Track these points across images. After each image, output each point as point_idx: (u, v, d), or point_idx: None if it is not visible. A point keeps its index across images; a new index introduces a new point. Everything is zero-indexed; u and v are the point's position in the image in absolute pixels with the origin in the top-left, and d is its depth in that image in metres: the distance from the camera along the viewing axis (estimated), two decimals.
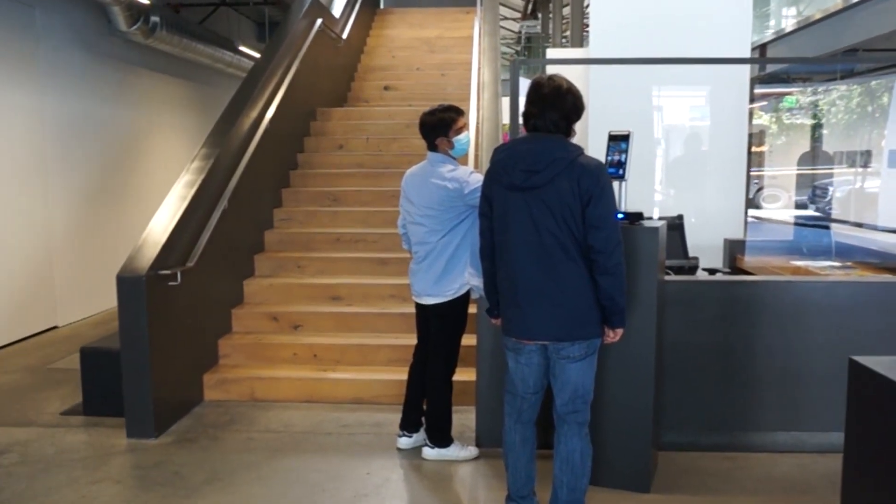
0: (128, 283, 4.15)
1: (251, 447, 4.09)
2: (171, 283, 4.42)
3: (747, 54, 6.70)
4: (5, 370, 5.60)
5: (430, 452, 3.95)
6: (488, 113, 5.91)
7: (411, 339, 4.78)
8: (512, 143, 3.00)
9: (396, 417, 4.43)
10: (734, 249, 6.13)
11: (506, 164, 2.90)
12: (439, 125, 3.77)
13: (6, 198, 6.33)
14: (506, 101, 5.46)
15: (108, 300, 7.44)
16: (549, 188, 2.79)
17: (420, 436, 4.09)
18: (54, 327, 6.95)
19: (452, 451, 3.96)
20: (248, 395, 4.88)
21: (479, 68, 7.26)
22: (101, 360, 4.54)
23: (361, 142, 7.62)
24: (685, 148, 6.78)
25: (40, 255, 6.78)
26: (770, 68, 11.41)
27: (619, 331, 2.96)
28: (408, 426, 4.11)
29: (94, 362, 4.58)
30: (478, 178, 3.68)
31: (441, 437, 3.96)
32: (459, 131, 3.78)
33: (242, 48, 10.35)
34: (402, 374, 4.86)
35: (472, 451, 3.97)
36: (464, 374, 4.87)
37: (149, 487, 3.58)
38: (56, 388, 5.15)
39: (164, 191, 5.11)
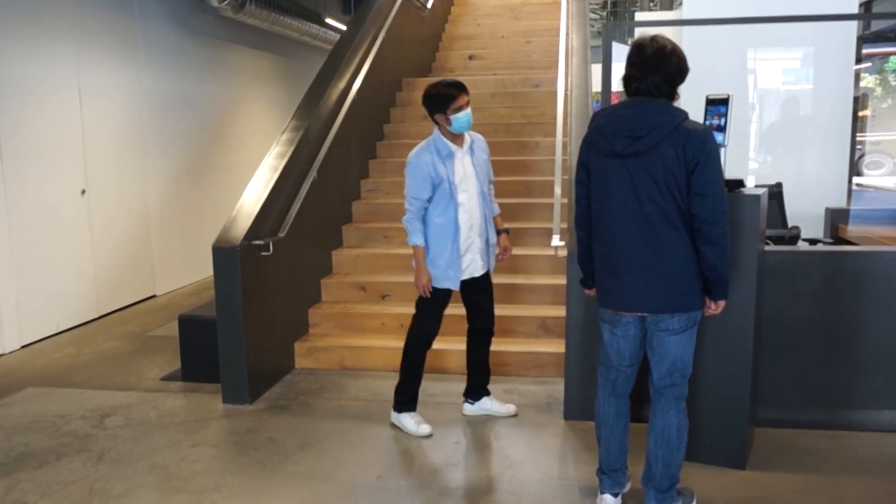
0: (223, 253, 4.27)
1: (342, 414, 4.17)
2: (263, 254, 4.53)
3: (854, 10, 6.31)
4: (109, 337, 5.88)
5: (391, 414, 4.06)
6: (577, 80, 5.75)
7: (497, 311, 4.75)
8: (613, 108, 2.88)
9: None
10: (836, 218, 5.83)
11: (606, 130, 2.79)
12: (439, 100, 3.72)
13: (108, 174, 6.61)
14: (596, 69, 5.32)
15: (201, 271, 7.71)
16: (652, 155, 2.68)
17: (486, 403, 4.13)
18: (153, 296, 7.25)
19: (404, 421, 3.96)
20: (337, 363, 4.98)
21: (566, 34, 7.08)
22: (198, 328, 4.70)
23: None
24: (782, 112, 6.46)
25: (140, 227, 7.06)
26: (876, 26, 10.73)
27: (721, 303, 2.83)
28: (469, 392, 4.17)
29: (192, 330, 4.75)
30: (415, 170, 3.77)
31: (395, 400, 4.01)
32: (459, 109, 3.70)
33: (329, 21, 10.44)
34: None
35: (424, 429, 3.90)
36: (552, 346, 4.83)
37: (244, 452, 3.70)
38: (155, 354, 5.38)
39: (256, 163, 5.22)
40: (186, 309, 5.44)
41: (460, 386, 4.28)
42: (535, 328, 5.05)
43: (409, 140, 7.21)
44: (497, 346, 4.85)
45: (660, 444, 2.89)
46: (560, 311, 5.07)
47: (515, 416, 4.11)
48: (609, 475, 3.06)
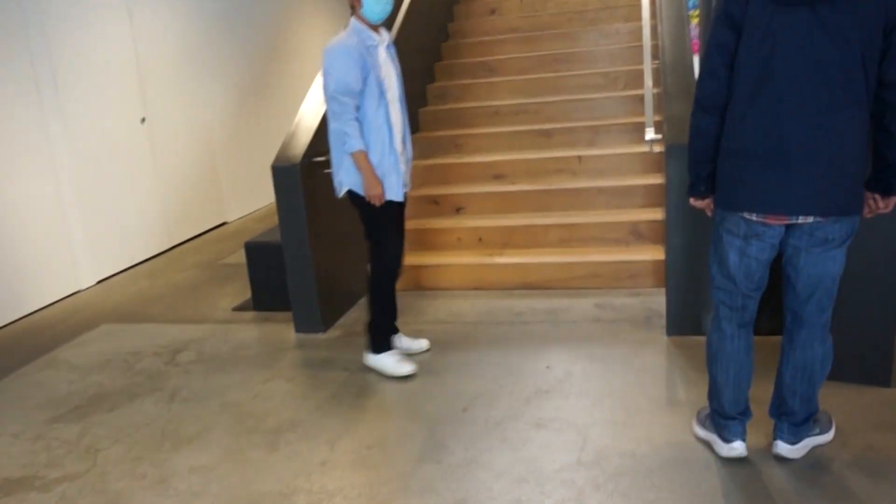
0: (283, 172, 3.94)
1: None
2: (326, 171, 4.19)
3: None
4: (182, 267, 5.74)
5: (366, 356, 3.60)
6: None
7: (582, 217, 4.36)
8: None
9: (570, 304, 4.08)
10: None
11: None
12: None
13: (166, 99, 6.34)
14: None
15: (272, 193, 7.48)
16: (844, 4, 2.07)
17: (396, 341, 3.69)
18: (224, 223, 7.09)
19: (384, 362, 3.51)
20: (413, 283, 4.67)
21: None
22: (265, 254, 4.45)
23: (514, 3, 6.95)
24: None
25: (204, 152, 6.83)
26: None
27: (893, 199, 2.28)
28: None
29: (259, 257, 4.50)
30: (344, 56, 3.15)
31: (371, 341, 3.55)
32: None
33: None
34: (574, 256, 4.45)
35: (405, 368, 3.47)
36: (646, 253, 4.38)
37: (319, 385, 3.45)
38: (227, 283, 5.19)
39: (314, 76, 4.82)
40: (255, 234, 5.20)
41: (550, 302, 3.91)
42: (626, 234, 4.59)
43: (476, 38, 6.66)
44: (585, 255, 4.44)
45: (800, 378, 2.42)
46: (654, 215, 4.60)
47: (428, 350, 3.70)
48: (738, 420, 2.55)
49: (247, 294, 4.78)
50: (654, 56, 4.82)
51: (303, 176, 3.94)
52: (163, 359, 3.93)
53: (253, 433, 3.06)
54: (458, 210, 5.08)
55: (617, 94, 5.58)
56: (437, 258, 4.72)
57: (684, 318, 3.63)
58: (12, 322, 4.75)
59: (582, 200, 4.88)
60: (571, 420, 2.94)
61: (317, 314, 4.07)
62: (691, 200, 2.50)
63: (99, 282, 5.49)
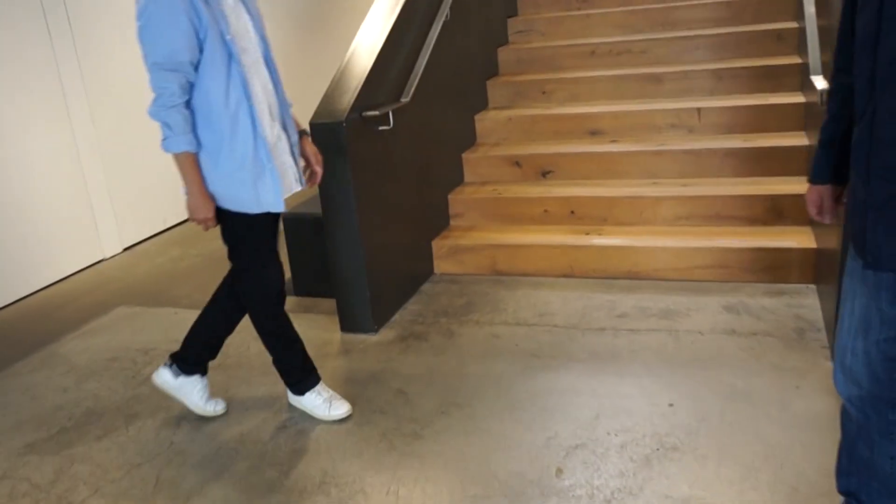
0: (324, 130, 3.07)
1: (497, 349, 3.00)
2: (381, 128, 3.30)
3: None
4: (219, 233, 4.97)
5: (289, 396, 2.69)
6: None
7: (703, 188, 3.40)
8: None
9: (691, 304, 3.17)
10: None
11: None
12: None
13: None
14: None
15: None
16: None
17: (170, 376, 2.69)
18: None
19: (306, 403, 2.63)
20: (488, 266, 3.79)
21: None
22: (307, 228, 3.63)
23: None
24: None
25: None
26: None
27: None
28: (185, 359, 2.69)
29: (299, 232, 3.69)
30: (168, 10, 2.09)
31: (286, 382, 2.64)
32: None
33: None
34: (693, 239, 3.49)
35: (337, 410, 2.60)
36: (792, 238, 3.32)
37: (365, 417, 2.63)
38: None
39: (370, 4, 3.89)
40: (301, 201, 4.38)
41: (666, 300, 2.98)
42: (762, 211, 3.58)
43: None
44: (709, 238, 3.46)
45: None
46: (799, 187, 3.57)
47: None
48: None
49: (288, 272, 3.99)
50: None
51: (350, 135, 3.07)
52: None
53: (271, 493, 2.27)
54: (544, 174, 4.14)
55: (746, 28, 4.47)
56: (518, 235, 3.81)
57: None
58: (27, 296, 4.10)
59: (703, 166, 3.87)
60: (702, 499, 2.04)
61: (367, 310, 3.24)
62: (813, 212, 1.70)
63: (125, 249, 4.79)
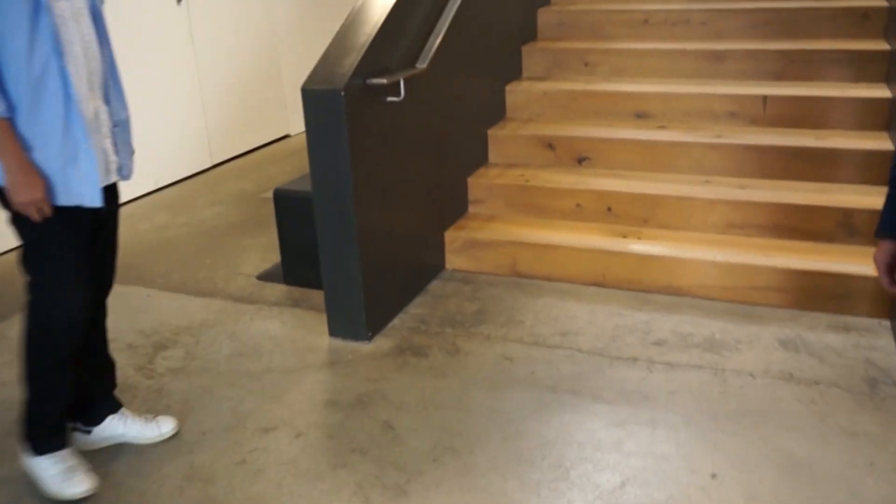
0: (317, 99, 2.58)
1: (509, 377, 2.54)
2: (390, 99, 2.80)
3: None
4: (214, 198, 4.53)
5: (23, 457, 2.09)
6: None
7: (764, 193, 2.91)
8: None
9: (741, 334, 2.69)
10: None
11: None
12: None
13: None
14: None
15: None
16: None
17: (117, 424, 2.24)
18: (285, 136, 5.82)
19: (40, 468, 2.02)
20: (507, 266, 3.30)
21: None
22: (300, 208, 3.15)
23: None
24: None
25: (264, 46, 5.50)
26: None
27: None
28: (83, 413, 2.22)
29: (292, 211, 3.22)
30: None
31: (26, 434, 2.04)
32: None
33: None
34: (748, 254, 2.98)
35: (75, 487, 1.99)
36: (868, 260, 2.79)
37: (341, 458, 2.18)
38: (262, 230, 3.95)
39: None
40: (298, 177, 3.90)
41: (712, 325, 2.49)
42: (831, 226, 3.04)
43: None
44: (767, 255, 2.94)
45: None
46: (877, 200, 3.01)
47: (174, 434, 2.25)
48: None
49: (277, 257, 3.53)
50: None
51: (350, 105, 2.57)
52: (137, 359, 2.76)
53: None
54: (580, 160, 3.61)
55: (826, 3, 3.86)
56: (544, 232, 3.31)
57: None
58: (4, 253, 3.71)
59: (765, 165, 3.32)
60: None
61: (360, 314, 2.77)
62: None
63: None
